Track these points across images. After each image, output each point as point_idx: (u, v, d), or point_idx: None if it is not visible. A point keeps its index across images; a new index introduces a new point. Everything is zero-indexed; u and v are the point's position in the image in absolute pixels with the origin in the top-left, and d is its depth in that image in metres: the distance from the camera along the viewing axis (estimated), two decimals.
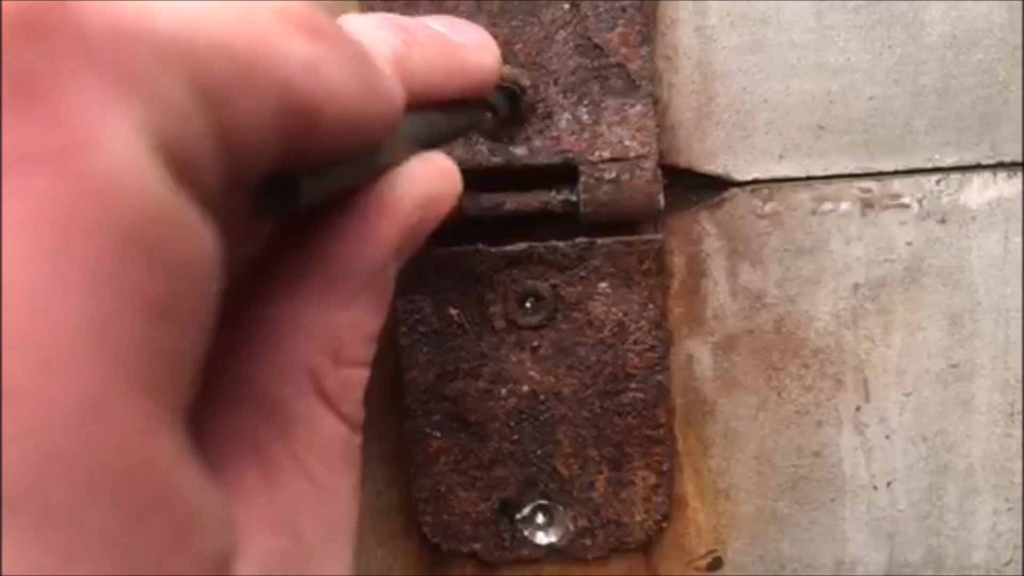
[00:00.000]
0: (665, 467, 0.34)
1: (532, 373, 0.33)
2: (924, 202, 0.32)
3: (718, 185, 0.32)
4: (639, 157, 0.31)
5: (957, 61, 0.31)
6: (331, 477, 0.18)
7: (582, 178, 0.31)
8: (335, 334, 0.17)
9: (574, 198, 0.31)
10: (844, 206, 0.32)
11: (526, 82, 0.31)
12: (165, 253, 0.12)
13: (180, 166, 0.12)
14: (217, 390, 0.17)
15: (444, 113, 0.21)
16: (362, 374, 0.18)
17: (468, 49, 0.22)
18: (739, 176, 0.32)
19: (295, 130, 0.14)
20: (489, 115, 0.27)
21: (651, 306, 0.32)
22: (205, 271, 0.13)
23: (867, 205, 0.32)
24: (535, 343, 0.33)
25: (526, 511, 0.34)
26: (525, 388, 0.33)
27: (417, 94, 0.19)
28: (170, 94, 0.12)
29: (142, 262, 0.12)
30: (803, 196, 0.32)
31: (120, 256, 0.11)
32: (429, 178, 0.19)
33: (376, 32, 0.19)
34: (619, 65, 0.31)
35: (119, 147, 0.11)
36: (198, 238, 0.13)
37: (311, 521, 0.18)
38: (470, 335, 0.33)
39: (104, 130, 0.11)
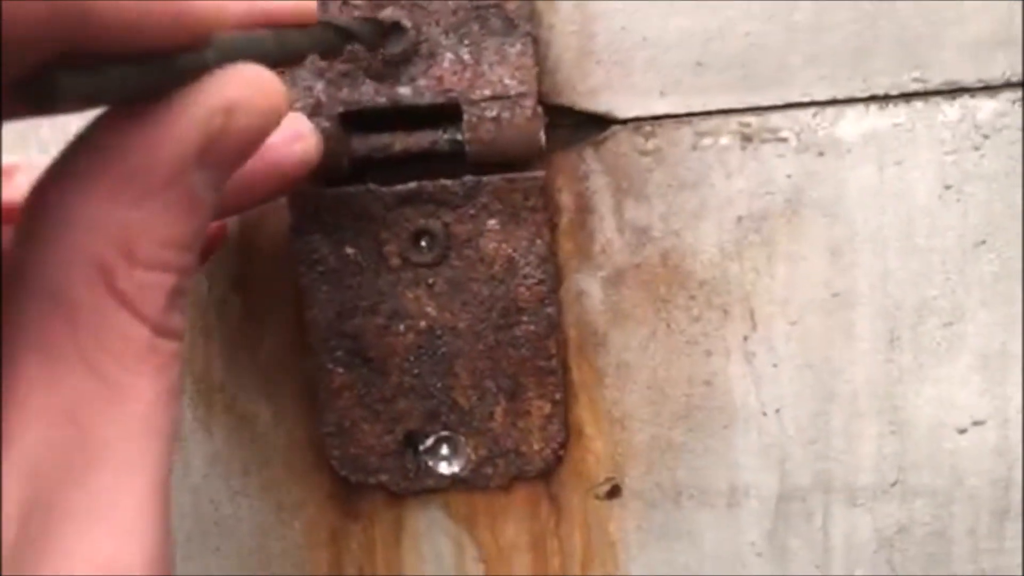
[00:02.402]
0: (558, 397, 0.35)
1: (428, 309, 0.34)
2: (802, 135, 0.33)
3: (601, 123, 0.33)
4: (519, 96, 0.32)
5: None
6: (124, 376, 0.18)
7: (465, 116, 0.32)
8: (126, 232, 0.18)
9: (460, 137, 0.32)
10: (724, 141, 0.33)
11: (407, 23, 0.32)
12: None
13: None
14: (13, 285, 0.18)
15: (277, 34, 0.22)
16: (163, 278, 0.19)
17: None
18: (621, 114, 0.33)
19: (63, 25, 0.15)
20: (344, 41, 0.28)
21: (539, 242, 0.33)
22: None
23: (746, 139, 0.33)
24: (430, 280, 0.34)
25: (429, 442, 0.36)
26: (422, 324, 0.34)
27: (226, 13, 0.20)
28: None
29: None
30: (684, 132, 0.33)
31: None
32: (231, 85, 0.19)
33: None
34: (496, 6, 0.32)
35: None
36: None
37: (100, 417, 0.18)
38: (367, 273, 0.34)
39: None
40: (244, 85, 0.19)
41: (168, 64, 0.18)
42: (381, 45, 0.31)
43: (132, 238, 0.18)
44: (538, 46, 0.32)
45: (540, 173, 0.33)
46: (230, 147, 0.19)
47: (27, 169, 0.26)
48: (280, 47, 0.22)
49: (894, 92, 0.33)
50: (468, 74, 0.32)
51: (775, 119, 0.33)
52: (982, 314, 0.34)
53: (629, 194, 0.34)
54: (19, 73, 0.16)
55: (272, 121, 0.20)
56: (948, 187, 0.33)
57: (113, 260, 0.18)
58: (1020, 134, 0.32)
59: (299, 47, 0.24)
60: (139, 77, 0.18)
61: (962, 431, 0.35)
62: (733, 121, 0.33)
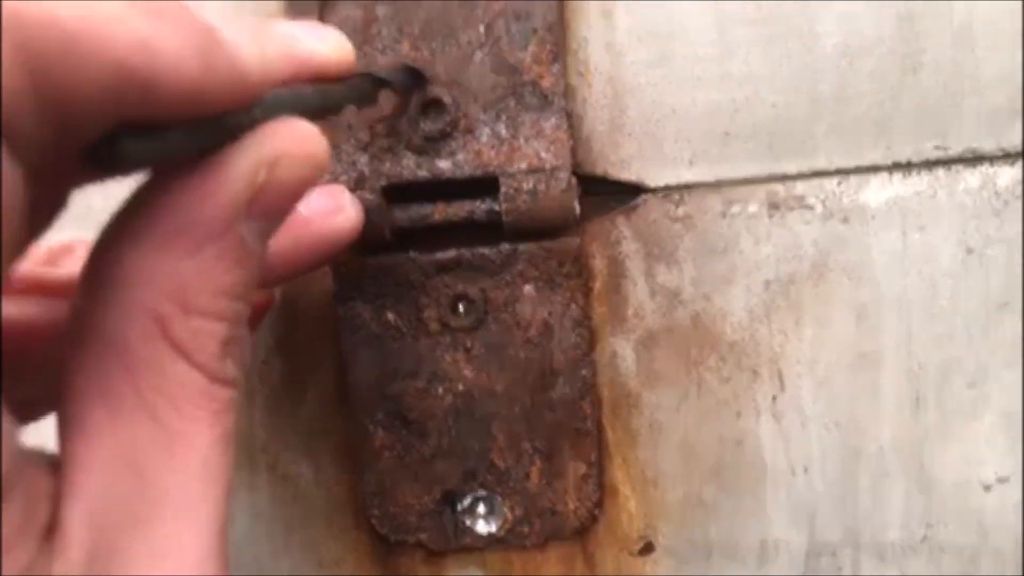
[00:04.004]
0: (593, 457, 0.36)
1: (466, 372, 0.35)
2: (827, 202, 0.34)
3: (633, 191, 0.35)
4: (554, 168, 0.33)
5: (852, 69, 0.33)
6: (182, 422, 0.19)
7: (503, 188, 0.33)
8: (180, 283, 0.19)
9: (497, 207, 0.34)
10: (752, 208, 0.34)
11: (447, 99, 0.33)
12: None
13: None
14: (75, 340, 0.19)
15: (317, 87, 0.23)
16: (216, 327, 0.20)
17: (311, 42, 0.24)
18: (652, 183, 0.34)
19: (128, 97, 0.17)
20: (381, 91, 0.29)
21: (573, 306, 0.35)
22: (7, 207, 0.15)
23: (774, 207, 0.34)
24: (468, 344, 0.35)
25: (467, 502, 0.37)
26: (460, 387, 0.35)
27: (275, 73, 0.21)
28: None
29: None
30: (713, 199, 0.34)
31: None
32: (276, 139, 0.20)
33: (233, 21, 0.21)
34: (533, 83, 0.33)
35: None
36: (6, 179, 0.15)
37: (160, 464, 0.19)
38: (407, 338, 0.35)
39: None
40: (288, 139, 0.20)
41: (220, 124, 0.19)
42: (414, 91, 0.32)
43: (186, 288, 0.19)
44: (572, 120, 0.34)
45: (574, 240, 0.34)
46: (277, 198, 0.20)
47: (84, 245, 0.27)
48: (321, 100, 0.23)
49: (916, 160, 0.34)
50: (505, 148, 0.33)
51: (801, 187, 0.34)
52: (1005, 374, 0.35)
53: (660, 259, 0.35)
54: (86, 139, 0.17)
55: (315, 172, 0.21)
56: (970, 251, 0.34)
57: (168, 310, 0.19)
58: None
59: (338, 99, 0.25)
60: (194, 139, 0.19)
61: (987, 488, 0.36)
62: (761, 189, 0.34)
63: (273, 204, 0.20)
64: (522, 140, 0.33)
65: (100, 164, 0.17)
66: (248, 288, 0.20)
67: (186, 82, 0.17)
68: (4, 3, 0.15)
